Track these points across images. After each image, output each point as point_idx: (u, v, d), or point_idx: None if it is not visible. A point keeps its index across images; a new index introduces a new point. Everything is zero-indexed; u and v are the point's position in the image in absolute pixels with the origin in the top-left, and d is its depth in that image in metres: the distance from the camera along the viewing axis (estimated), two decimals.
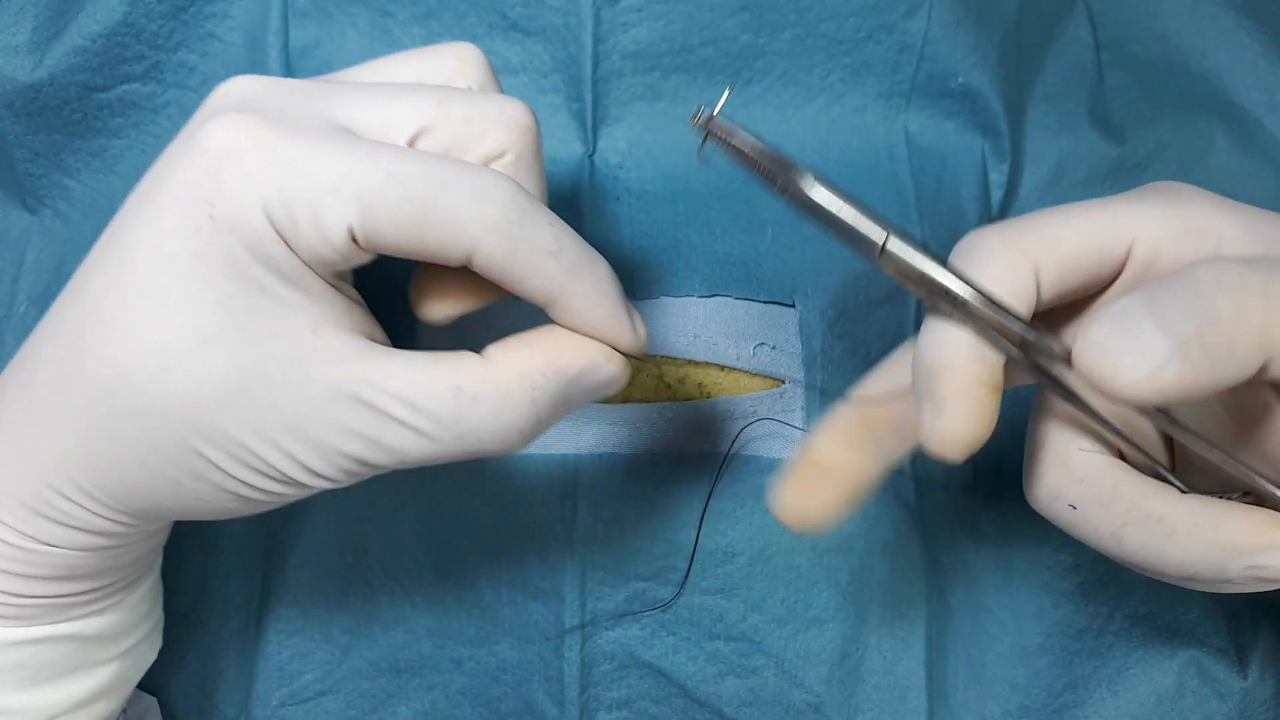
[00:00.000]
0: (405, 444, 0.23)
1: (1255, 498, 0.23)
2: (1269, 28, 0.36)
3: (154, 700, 0.34)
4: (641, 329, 0.25)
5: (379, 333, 0.25)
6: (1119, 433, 0.24)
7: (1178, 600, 0.34)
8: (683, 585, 0.33)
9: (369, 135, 0.23)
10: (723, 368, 0.33)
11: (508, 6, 0.33)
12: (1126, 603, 0.34)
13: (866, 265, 0.24)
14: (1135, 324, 0.21)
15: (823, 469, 0.26)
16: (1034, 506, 0.25)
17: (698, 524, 0.33)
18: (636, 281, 0.33)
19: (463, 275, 0.24)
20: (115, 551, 0.26)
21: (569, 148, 0.34)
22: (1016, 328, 0.23)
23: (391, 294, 0.27)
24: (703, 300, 0.33)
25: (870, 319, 0.34)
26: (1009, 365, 0.24)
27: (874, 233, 0.23)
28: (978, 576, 0.35)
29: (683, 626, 0.33)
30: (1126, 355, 0.20)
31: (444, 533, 0.33)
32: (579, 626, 0.33)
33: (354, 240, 0.22)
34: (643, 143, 0.34)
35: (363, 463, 0.23)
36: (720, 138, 0.23)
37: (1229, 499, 0.23)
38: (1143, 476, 0.24)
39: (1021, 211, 0.36)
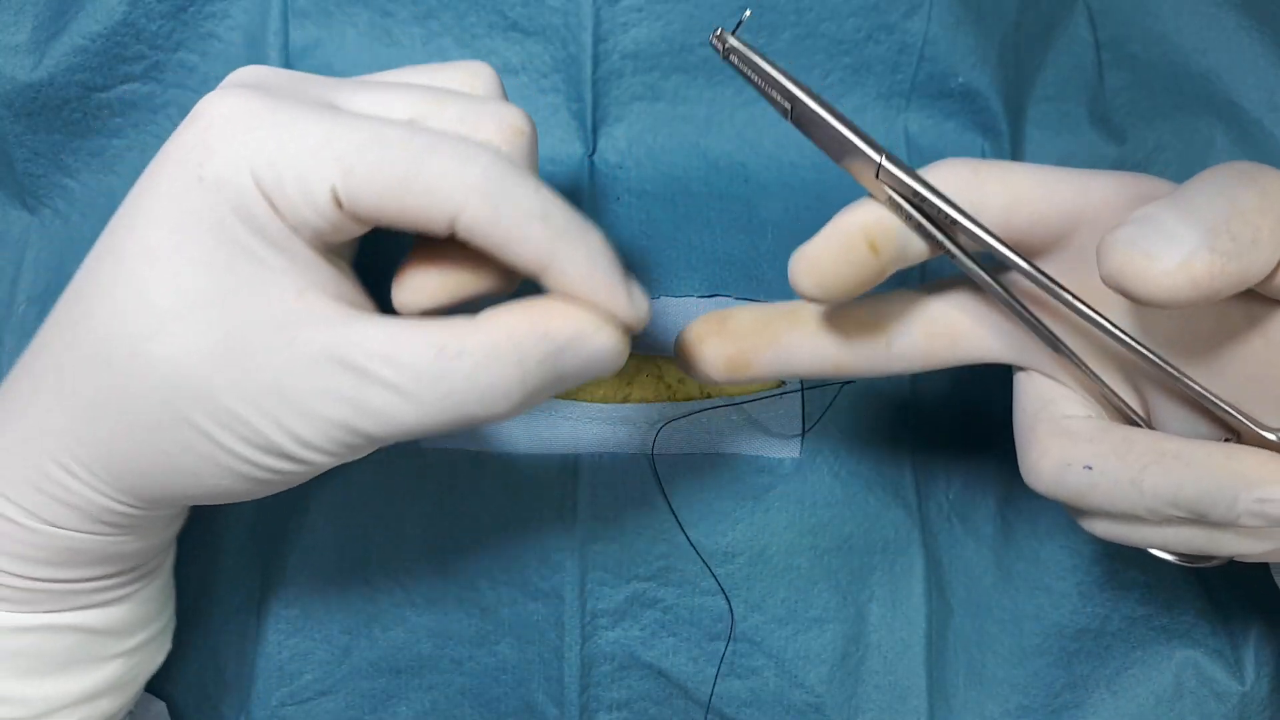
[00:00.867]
0: (390, 406, 0.22)
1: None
2: (1269, 28, 0.36)
3: (163, 706, 0.34)
4: (641, 301, 0.24)
5: (369, 305, 0.25)
6: (1099, 380, 0.25)
7: (1175, 601, 0.34)
8: (729, 614, 0.33)
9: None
10: None
11: (508, 6, 0.33)
12: (1124, 603, 0.34)
13: (860, 186, 0.25)
14: (1162, 218, 0.20)
15: (726, 328, 0.27)
16: (1038, 487, 0.25)
17: (679, 525, 0.33)
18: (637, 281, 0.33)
19: (445, 262, 0.24)
20: (119, 539, 0.26)
21: (569, 148, 0.34)
22: (1006, 256, 0.24)
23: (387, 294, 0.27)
24: (703, 300, 0.33)
25: None
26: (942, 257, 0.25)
27: (872, 152, 0.24)
28: (977, 577, 0.35)
29: (683, 627, 0.33)
30: (1156, 247, 0.20)
31: (444, 533, 0.33)
32: (579, 626, 0.33)
33: (338, 204, 0.22)
34: (643, 143, 0.34)
35: (352, 430, 0.23)
36: (734, 57, 0.24)
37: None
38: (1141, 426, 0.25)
39: None
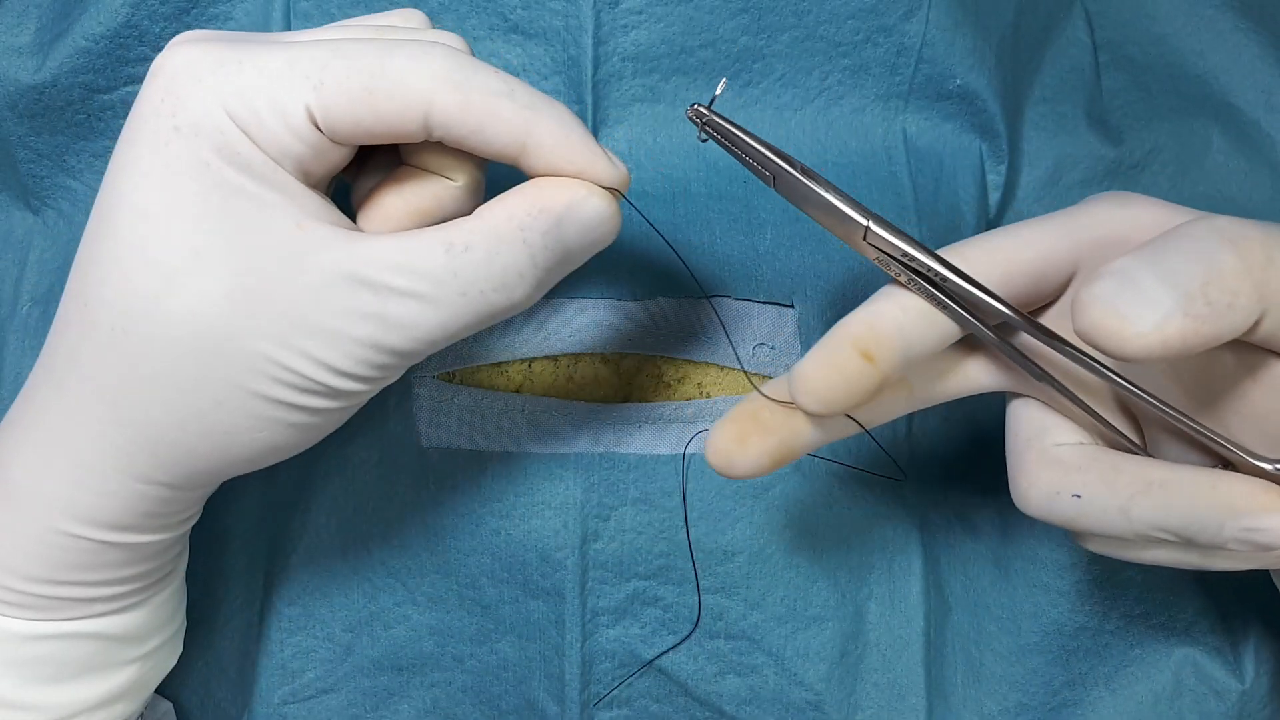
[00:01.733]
0: (412, 314, 0.23)
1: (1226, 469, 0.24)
2: (1266, 30, 0.36)
3: (169, 706, 0.34)
4: (620, 164, 0.24)
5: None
6: (1094, 413, 0.25)
7: (1173, 599, 0.34)
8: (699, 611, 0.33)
9: None
10: (722, 367, 0.34)
11: (508, 9, 0.33)
12: (1123, 601, 0.34)
13: (850, 249, 0.25)
14: (1138, 278, 0.20)
15: (760, 422, 0.26)
16: (1029, 511, 0.25)
17: (686, 525, 0.33)
18: (636, 281, 0.33)
19: (401, 182, 0.25)
20: (147, 538, 0.26)
21: None
22: (994, 306, 0.24)
23: None
24: (702, 300, 0.33)
25: None
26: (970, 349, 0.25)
27: (859, 216, 0.24)
28: (976, 575, 0.35)
29: (683, 625, 0.33)
30: (1131, 309, 0.20)
31: (445, 531, 0.33)
32: (580, 624, 0.33)
33: (315, 125, 0.22)
34: (643, 144, 0.34)
35: (380, 347, 0.23)
36: (715, 130, 0.25)
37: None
38: (1129, 453, 0.25)
39: (1019, 212, 0.36)
